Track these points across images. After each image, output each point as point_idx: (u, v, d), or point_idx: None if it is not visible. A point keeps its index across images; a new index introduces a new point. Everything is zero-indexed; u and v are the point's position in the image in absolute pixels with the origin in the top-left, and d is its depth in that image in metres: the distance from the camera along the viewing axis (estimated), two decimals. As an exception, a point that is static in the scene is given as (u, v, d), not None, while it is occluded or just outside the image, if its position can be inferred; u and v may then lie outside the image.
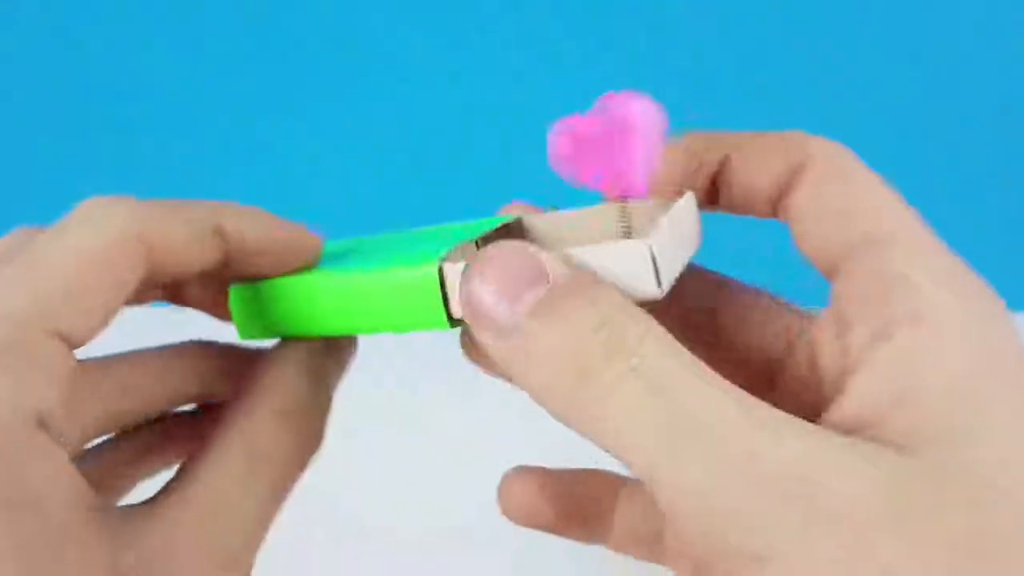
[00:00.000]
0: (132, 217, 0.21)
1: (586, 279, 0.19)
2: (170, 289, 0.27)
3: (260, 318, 0.24)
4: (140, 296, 0.25)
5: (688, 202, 0.23)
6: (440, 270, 0.21)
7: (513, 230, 0.26)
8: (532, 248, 0.19)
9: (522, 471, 0.28)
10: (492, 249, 0.19)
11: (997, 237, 0.60)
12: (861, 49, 0.60)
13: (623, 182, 0.20)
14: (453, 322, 0.21)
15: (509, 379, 0.20)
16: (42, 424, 0.19)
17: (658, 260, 0.19)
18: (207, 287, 0.27)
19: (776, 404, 0.23)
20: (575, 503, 0.27)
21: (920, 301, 0.18)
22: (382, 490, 0.48)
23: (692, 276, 0.24)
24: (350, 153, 0.63)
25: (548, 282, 0.18)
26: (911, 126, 0.61)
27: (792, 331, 0.23)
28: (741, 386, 0.23)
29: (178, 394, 0.26)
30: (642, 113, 0.19)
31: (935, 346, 0.18)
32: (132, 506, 0.20)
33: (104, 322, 0.21)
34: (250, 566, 0.21)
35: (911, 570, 0.15)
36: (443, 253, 0.21)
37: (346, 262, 0.24)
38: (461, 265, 0.20)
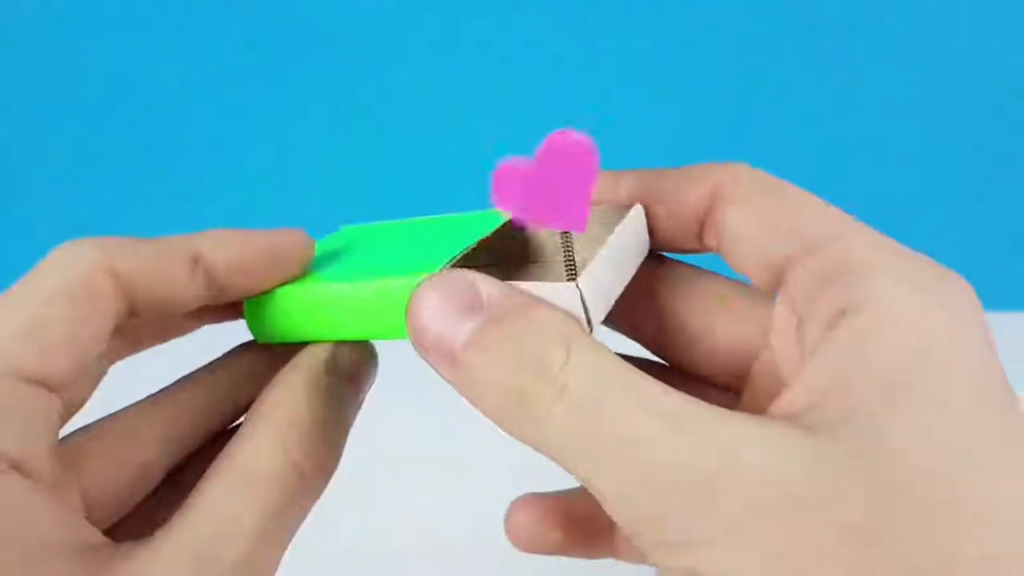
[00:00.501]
0: (99, 252, 0.21)
1: (516, 305, 0.19)
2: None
3: (271, 327, 0.25)
4: (136, 341, 0.25)
5: (636, 215, 0.24)
6: None
7: (512, 234, 0.26)
8: (470, 276, 0.20)
9: (526, 500, 0.28)
10: (431, 282, 0.20)
11: (997, 236, 0.60)
12: (861, 49, 0.60)
13: (564, 219, 0.21)
14: None
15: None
16: (16, 467, 0.19)
17: (587, 300, 0.20)
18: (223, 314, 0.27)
19: (751, 396, 0.23)
20: (578, 523, 0.28)
21: (863, 291, 0.19)
22: (371, 506, 0.48)
23: (662, 270, 0.25)
24: (350, 151, 0.63)
25: (482, 310, 0.19)
26: (911, 126, 0.61)
27: (764, 323, 0.24)
28: (713, 378, 0.25)
29: (236, 404, 0.26)
30: (581, 153, 0.20)
31: (872, 334, 0.18)
32: (127, 544, 0.20)
33: (81, 359, 0.21)
34: None
35: (802, 558, 0.16)
36: (443, 264, 0.22)
37: (344, 265, 0.24)
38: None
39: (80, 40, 0.63)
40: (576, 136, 0.20)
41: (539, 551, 0.28)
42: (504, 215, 0.25)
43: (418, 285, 0.21)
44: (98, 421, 0.23)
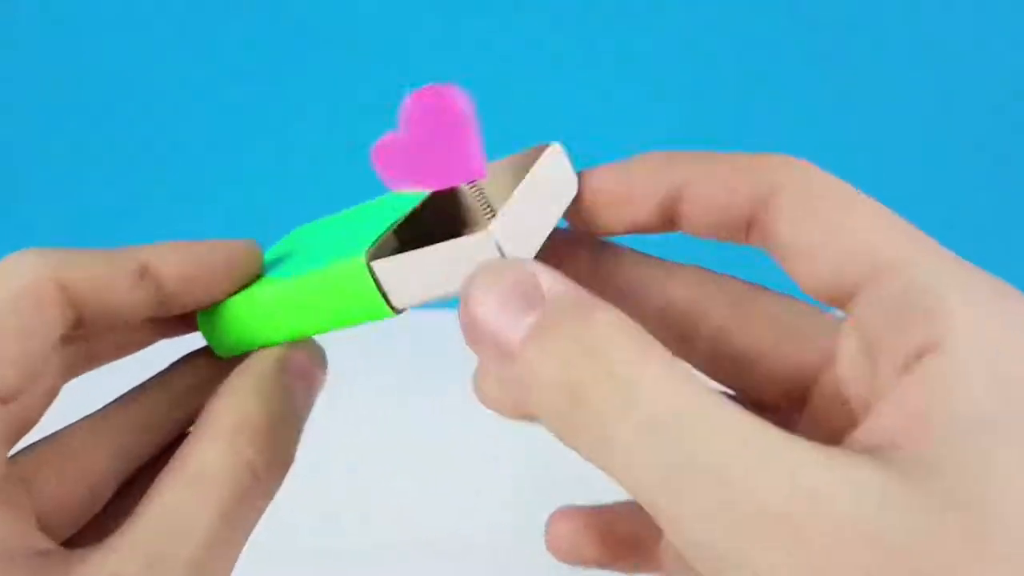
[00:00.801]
0: (43, 262, 0.21)
1: (582, 301, 0.18)
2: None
3: (225, 336, 0.25)
4: (92, 357, 0.25)
5: (553, 153, 0.22)
6: (370, 267, 0.21)
7: (440, 204, 0.25)
8: (530, 268, 0.19)
9: (566, 511, 0.27)
10: (488, 270, 0.19)
11: (996, 236, 0.60)
12: (862, 49, 0.60)
13: (460, 171, 0.20)
14: (397, 310, 0.22)
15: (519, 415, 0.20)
16: None
17: (503, 245, 0.19)
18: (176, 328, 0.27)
19: (811, 420, 0.22)
20: (619, 539, 0.27)
21: (942, 326, 0.17)
22: (361, 499, 0.48)
23: (714, 289, 0.24)
24: (349, 152, 0.63)
25: (543, 304, 0.18)
26: (911, 126, 0.61)
27: (826, 344, 0.23)
28: (768, 399, 0.23)
29: (189, 412, 0.26)
30: (455, 101, 0.19)
31: (954, 375, 0.17)
32: (81, 549, 0.20)
33: (29, 370, 0.21)
34: None
35: None
36: (367, 247, 0.22)
37: (290, 264, 0.25)
38: (389, 260, 0.21)
39: (80, 40, 0.63)
40: (434, 88, 0.19)
41: (579, 563, 0.27)
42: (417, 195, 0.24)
43: (365, 265, 0.21)
44: (49, 436, 0.23)
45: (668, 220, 0.23)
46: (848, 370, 0.21)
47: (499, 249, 0.19)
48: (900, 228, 0.19)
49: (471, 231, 0.25)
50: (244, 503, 0.21)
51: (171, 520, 0.20)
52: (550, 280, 0.19)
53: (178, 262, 0.23)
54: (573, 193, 0.23)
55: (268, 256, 0.27)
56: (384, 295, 0.21)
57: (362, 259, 0.21)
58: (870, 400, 0.19)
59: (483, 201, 0.22)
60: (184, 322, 0.26)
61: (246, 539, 0.22)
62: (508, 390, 0.19)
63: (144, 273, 0.22)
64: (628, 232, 0.23)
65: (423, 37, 0.61)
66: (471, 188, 0.22)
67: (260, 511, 0.22)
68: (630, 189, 0.23)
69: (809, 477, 0.16)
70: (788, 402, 0.23)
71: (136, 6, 0.62)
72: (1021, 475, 0.16)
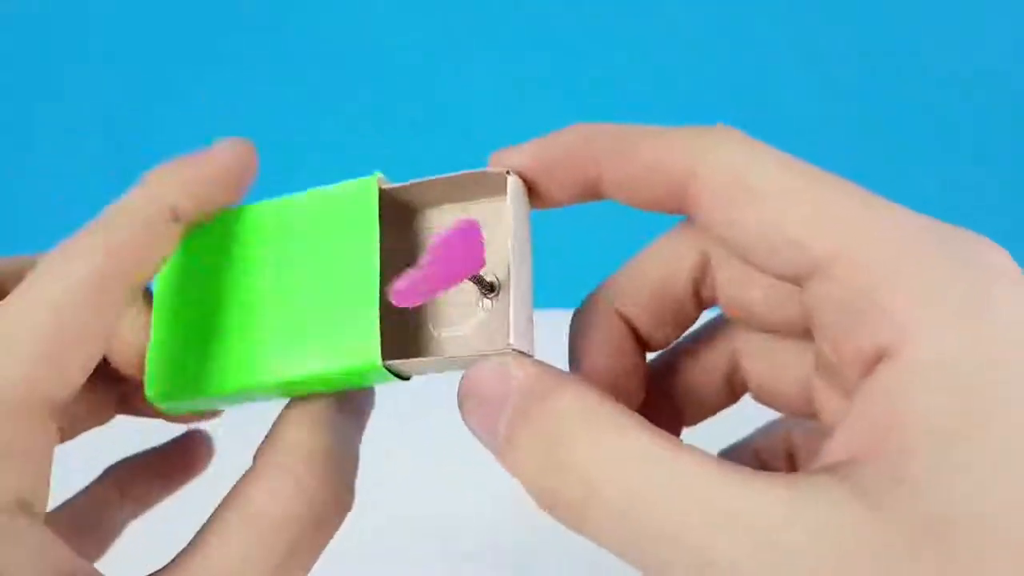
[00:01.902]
0: (99, 252, 0.20)
1: (540, 392, 0.19)
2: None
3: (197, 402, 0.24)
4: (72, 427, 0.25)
5: (515, 190, 0.22)
6: (385, 366, 0.22)
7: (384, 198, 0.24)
8: (502, 364, 0.20)
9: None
10: (468, 378, 0.20)
11: (997, 235, 0.60)
12: (863, 49, 0.60)
13: (467, 270, 0.21)
14: (407, 378, 0.23)
15: None
16: (22, 506, 0.18)
17: (519, 348, 0.20)
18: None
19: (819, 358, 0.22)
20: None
21: (895, 328, 0.16)
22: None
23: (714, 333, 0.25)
24: (351, 152, 0.63)
25: (512, 400, 0.19)
26: (912, 125, 0.61)
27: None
28: (772, 335, 0.23)
29: None
30: (464, 231, 0.21)
31: (910, 383, 0.16)
32: None
33: (89, 370, 0.20)
34: None
35: None
36: (375, 343, 0.21)
37: (244, 345, 0.23)
38: (403, 364, 0.22)
39: (80, 39, 0.63)
40: (462, 228, 0.20)
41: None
42: (367, 178, 0.24)
43: (382, 367, 0.21)
44: None
45: (592, 196, 0.22)
46: (820, 391, 0.21)
47: (513, 350, 0.20)
48: (837, 209, 0.17)
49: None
50: (307, 541, 0.21)
51: (233, 559, 0.20)
52: (518, 370, 0.19)
53: (194, 195, 0.22)
54: (528, 214, 0.22)
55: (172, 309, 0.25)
56: (398, 375, 0.22)
57: (377, 358, 0.21)
58: (844, 396, 0.19)
59: (484, 290, 0.23)
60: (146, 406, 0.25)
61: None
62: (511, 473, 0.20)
63: (173, 216, 0.22)
64: (549, 207, 0.23)
65: (421, 36, 0.61)
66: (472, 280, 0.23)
67: (321, 550, 0.21)
68: (549, 172, 0.22)
69: (760, 520, 0.16)
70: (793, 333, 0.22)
71: (136, 6, 0.62)
72: (980, 492, 0.15)
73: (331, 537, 0.22)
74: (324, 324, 0.22)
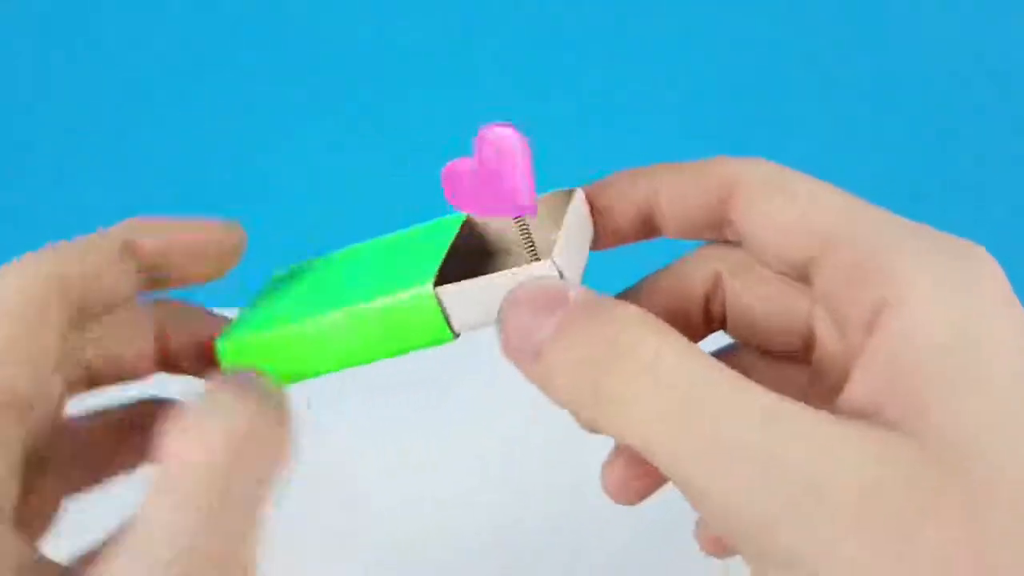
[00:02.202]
0: (39, 260, 0.21)
1: (604, 300, 0.20)
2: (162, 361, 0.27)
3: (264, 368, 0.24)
4: (94, 380, 0.25)
5: (579, 200, 0.25)
6: (436, 294, 0.22)
7: (470, 233, 0.26)
8: (559, 281, 0.21)
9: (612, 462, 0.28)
10: (520, 289, 0.21)
11: (997, 236, 0.60)
12: (864, 49, 0.60)
13: (516, 206, 0.22)
14: (456, 334, 0.23)
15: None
16: None
17: (565, 275, 0.21)
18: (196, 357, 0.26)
19: (816, 367, 0.23)
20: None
21: (895, 282, 0.19)
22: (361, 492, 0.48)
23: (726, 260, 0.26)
24: (349, 155, 0.63)
25: (567, 306, 0.20)
26: (911, 125, 0.61)
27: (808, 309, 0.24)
28: (773, 358, 0.25)
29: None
30: (512, 141, 0.22)
31: (913, 329, 0.18)
32: (78, 566, 0.20)
33: (44, 369, 0.21)
34: None
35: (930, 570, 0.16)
36: (430, 276, 0.23)
37: (322, 298, 0.24)
38: (455, 287, 0.22)
39: (80, 39, 0.63)
40: (501, 130, 0.22)
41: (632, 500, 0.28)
42: (461, 214, 0.26)
43: (432, 293, 0.22)
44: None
45: (648, 227, 0.25)
46: (824, 334, 0.23)
47: (560, 274, 0.21)
48: (847, 205, 0.21)
49: (503, 257, 0.27)
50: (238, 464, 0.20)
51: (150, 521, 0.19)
52: (577, 288, 0.20)
53: (161, 236, 0.23)
54: (591, 234, 0.25)
55: (273, 292, 0.27)
56: (447, 320, 0.23)
57: (429, 286, 0.22)
58: (847, 361, 0.21)
59: (526, 237, 0.24)
60: (189, 361, 0.26)
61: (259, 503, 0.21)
62: (537, 384, 0.20)
63: (126, 250, 0.23)
64: (614, 244, 0.26)
65: (418, 37, 0.61)
66: (517, 223, 0.24)
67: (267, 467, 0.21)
68: (610, 203, 0.25)
69: (829, 446, 0.17)
70: (791, 356, 0.25)
71: (136, 6, 0.62)
72: (988, 432, 0.17)
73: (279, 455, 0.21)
74: (390, 278, 0.24)
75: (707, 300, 0.25)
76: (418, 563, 0.44)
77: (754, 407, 0.18)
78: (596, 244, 0.25)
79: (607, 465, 0.27)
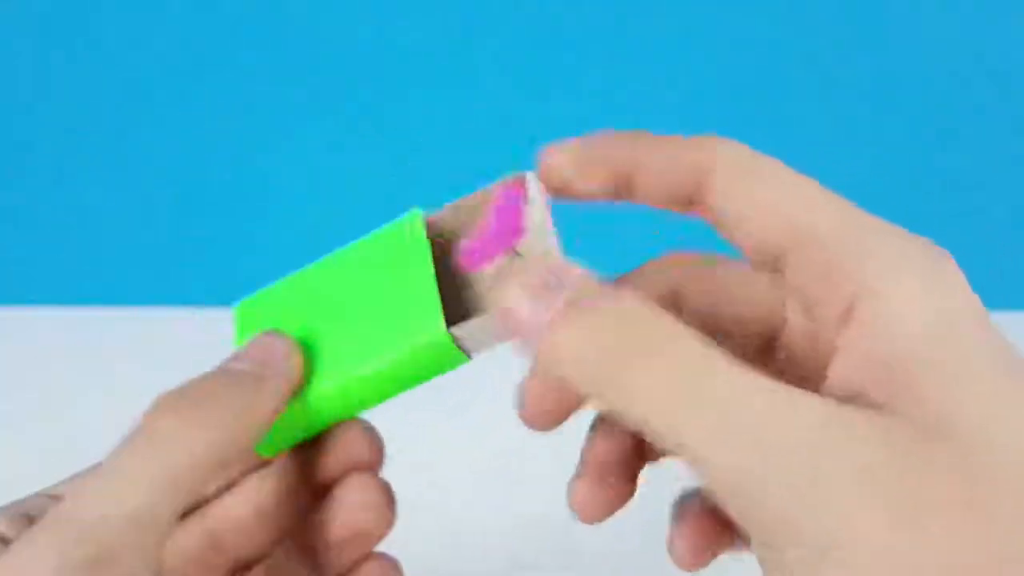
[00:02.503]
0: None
1: (603, 283, 0.21)
2: None
3: (280, 437, 0.25)
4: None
5: (536, 191, 0.25)
6: (451, 334, 0.23)
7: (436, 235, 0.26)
8: (562, 263, 0.22)
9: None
10: (520, 272, 0.21)
11: (997, 235, 0.60)
12: (863, 50, 0.60)
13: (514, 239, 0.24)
14: (471, 358, 0.24)
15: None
16: None
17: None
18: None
19: (786, 361, 0.24)
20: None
21: (868, 276, 0.20)
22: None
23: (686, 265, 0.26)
24: (346, 155, 0.63)
25: (572, 287, 0.20)
26: (911, 125, 0.61)
27: (779, 304, 0.25)
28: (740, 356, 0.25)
29: None
30: (509, 191, 0.24)
31: (888, 316, 0.19)
32: None
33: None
34: None
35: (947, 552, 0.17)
36: (437, 315, 0.23)
37: (324, 352, 0.25)
38: (469, 326, 0.23)
39: (80, 39, 0.63)
40: (504, 183, 0.24)
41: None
42: (416, 212, 0.26)
43: (447, 334, 0.23)
44: None
45: (622, 190, 0.25)
46: (797, 327, 0.23)
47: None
48: (822, 199, 0.22)
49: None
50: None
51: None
52: (575, 270, 0.21)
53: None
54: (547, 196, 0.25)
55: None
56: (465, 351, 0.24)
57: (442, 327, 0.23)
58: (822, 354, 0.21)
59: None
60: None
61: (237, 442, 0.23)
62: (546, 363, 0.21)
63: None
64: (585, 199, 0.25)
65: (418, 38, 0.61)
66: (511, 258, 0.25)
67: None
68: (589, 162, 0.25)
69: (834, 426, 0.18)
70: (759, 352, 0.25)
71: (136, 6, 0.62)
72: (973, 403, 0.18)
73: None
74: (389, 320, 0.24)
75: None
76: (418, 563, 0.44)
77: (758, 382, 0.18)
78: (561, 194, 0.25)
79: (572, 482, 0.28)
